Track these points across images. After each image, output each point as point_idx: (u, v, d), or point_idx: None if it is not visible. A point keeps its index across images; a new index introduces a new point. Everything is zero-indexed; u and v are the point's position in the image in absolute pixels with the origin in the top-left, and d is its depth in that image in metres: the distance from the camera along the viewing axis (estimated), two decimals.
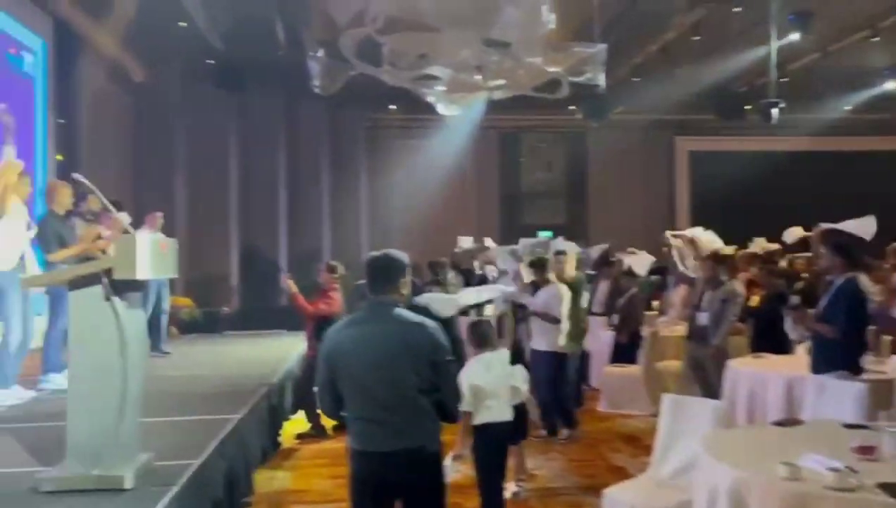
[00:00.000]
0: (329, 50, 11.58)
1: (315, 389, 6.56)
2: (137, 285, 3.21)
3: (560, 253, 7.35)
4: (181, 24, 11.77)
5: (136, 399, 3.28)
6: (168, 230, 14.92)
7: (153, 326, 7.98)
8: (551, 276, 6.72)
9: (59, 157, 7.65)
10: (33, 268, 5.56)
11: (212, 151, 14.80)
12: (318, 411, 6.20)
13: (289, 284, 6.47)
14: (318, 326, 6.27)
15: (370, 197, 16.19)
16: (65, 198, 6.05)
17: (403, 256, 3.00)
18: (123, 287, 3.12)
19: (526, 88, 11.02)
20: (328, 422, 6.52)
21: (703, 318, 6.32)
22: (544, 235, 11.50)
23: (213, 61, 13.52)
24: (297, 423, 6.97)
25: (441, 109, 13.79)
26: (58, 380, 5.89)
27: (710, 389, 5.88)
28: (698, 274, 7.26)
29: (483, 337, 4.48)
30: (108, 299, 3.04)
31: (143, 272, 3.00)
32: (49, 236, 5.82)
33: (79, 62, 10.97)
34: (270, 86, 14.54)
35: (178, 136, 14.62)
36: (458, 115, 13.90)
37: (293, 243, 15.34)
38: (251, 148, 15.30)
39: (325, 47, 11.64)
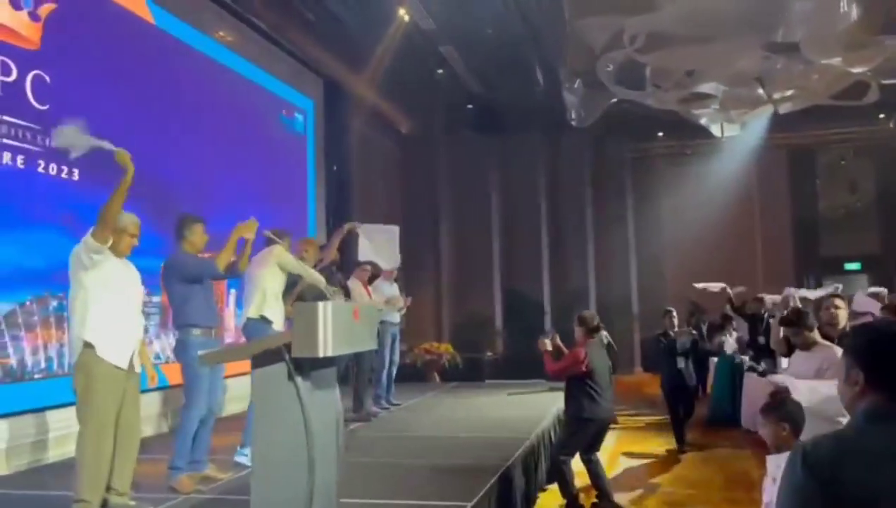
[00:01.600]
0: (586, 79, 10.90)
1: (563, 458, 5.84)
2: (327, 361, 2.67)
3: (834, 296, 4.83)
4: (439, 71, 11.88)
5: (329, 489, 2.71)
6: (433, 276, 15.33)
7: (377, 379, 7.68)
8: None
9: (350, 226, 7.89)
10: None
11: (474, 195, 14.75)
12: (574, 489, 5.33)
13: (543, 343, 5.65)
14: (567, 386, 5.44)
15: (638, 234, 14.99)
16: (313, 253, 5.98)
17: None
18: (310, 364, 2.59)
19: (822, 96, 9.27)
20: (587, 500, 5.58)
21: None
22: (851, 268, 9.44)
23: (471, 106, 13.52)
24: (552, 497, 6.12)
25: (716, 130, 12.34)
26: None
27: None
28: None
29: None
30: (290, 378, 2.52)
31: (326, 348, 2.47)
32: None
33: (347, 118, 11.48)
34: (529, 125, 14.16)
35: (442, 182, 14.81)
36: (736, 135, 12.28)
37: (557, 285, 14.66)
38: (512, 190, 15.02)
39: (581, 77, 10.98)
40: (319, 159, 10.37)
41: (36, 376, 5.44)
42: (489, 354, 12.33)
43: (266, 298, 5.05)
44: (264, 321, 5.05)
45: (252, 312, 5.05)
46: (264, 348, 2.60)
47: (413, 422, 7.05)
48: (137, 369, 3.97)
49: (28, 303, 5.38)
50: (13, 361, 5.23)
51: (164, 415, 6.75)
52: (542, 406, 7.63)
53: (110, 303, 3.74)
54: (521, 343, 13.66)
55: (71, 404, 5.56)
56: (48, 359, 5.56)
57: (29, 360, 5.38)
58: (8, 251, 5.23)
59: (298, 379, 2.56)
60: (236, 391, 6.70)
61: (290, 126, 9.53)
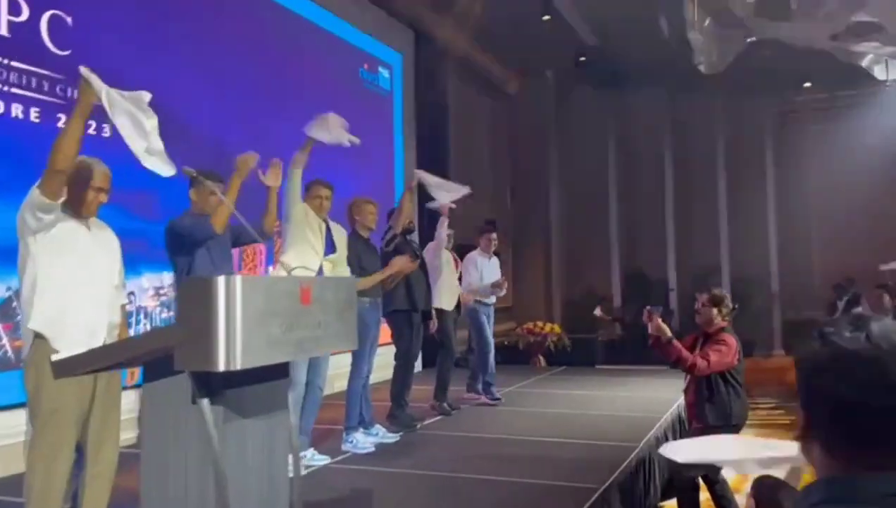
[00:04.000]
0: (718, 18, 9.29)
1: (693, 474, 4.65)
2: (266, 373, 1.65)
3: None
4: (545, 18, 10.55)
5: None
6: (543, 250, 14.10)
7: (482, 365, 6.65)
8: None
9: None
10: None
11: (588, 160, 13.37)
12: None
13: (655, 323, 4.35)
14: (707, 384, 4.18)
15: (779, 202, 13.05)
16: (369, 216, 5.00)
17: None
18: (228, 380, 1.58)
19: None
20: None
21: None
22: None
23: (584, 59, 12.08)
24: None
25: (879, 72, 10.33)
26: (359, 440, 4.80)
27: None
28: None
29: None
30: (193, 401, 1.52)
31: (232, 359, 1.44)
32: (350, 260, 4.81)
33: (442, 75, 10.42)
34: (652, 80, 12.54)
35: (553, 147, 13.53)
36: None
37: (683, 260, 13.07)
38: (632, 154, 13.50)
39: (712, 16, 9.36)
40: (408, 120, 9.37)
41: None
42: (600, 336, 11.01)
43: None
44: None
45: None
46: (144, 349, 1.62)
47: (495, 420, 5.95)
48: None
49: None
50: None
51: None
52: (659, 400, 6.36)
53: (67, 279, 2.87)
54: (641, 325, 12.25)
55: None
56: None
57: None
58: None
59: (205, 403, 1.55)
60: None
61: (372, 83, 8.60)
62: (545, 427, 5.48)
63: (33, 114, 4.65)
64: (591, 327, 11.51)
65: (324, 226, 4.45)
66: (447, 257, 6.25)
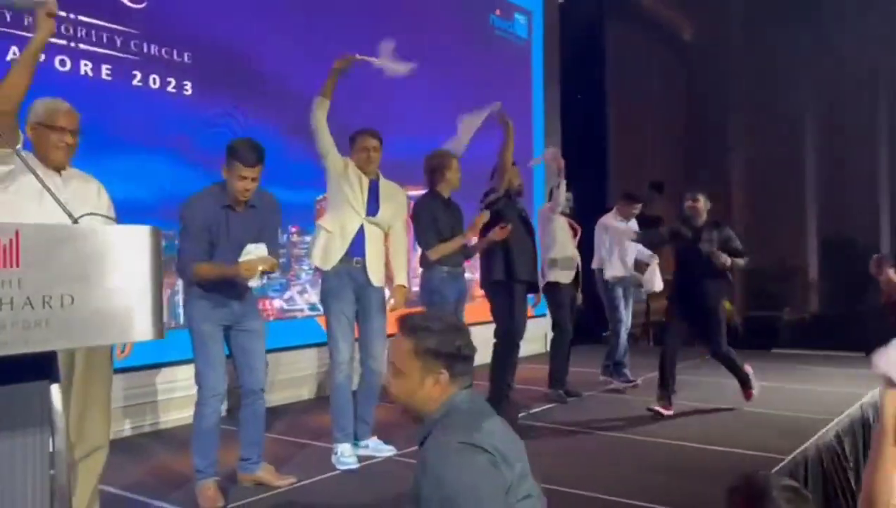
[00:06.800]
0: None
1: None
2: None
3: None
4: None
5: None
6: (722, 215, 12.47)
7: (614, 345, 5.77)
8: None
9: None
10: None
11: (779, 109, 11.59)
12: None
13: (886, 275, 3.38)
14: None
15: None
16: (454, 176, 4.29)
17: None
18: None
19: None
20: None
21: None
22: None
23: None
24: None
25: None
26: None
27: None
28: None
29: None
30: None
31: None
32: (426, 224, 4.16)
33: (597, 20, 9.38)
34: (864, 7, 10.53)
35: (735, 97, 11.89)
36: None
37: None
38: (835, 98, 11.48)
39: None
40: (550, 74, 8.43)
41: None
42: (785, 315, 9.45)
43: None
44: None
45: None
46: None
47: (616, 411, 5.02)
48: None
49: None
50: None
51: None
52: (838, 397, 5.11)
53: None
54: (840, 303, 10.44)
55: (181, 362, 4.79)
56: None
57: None
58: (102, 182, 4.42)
59: None
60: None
61: (506, 30, 7.79)
62: (677, 425, 4.51)
63: (104, 71, 4.46)
64: (776, 303, 9.98)
65: (366, 181, 3.81)
66: (561, 222, 5.38)
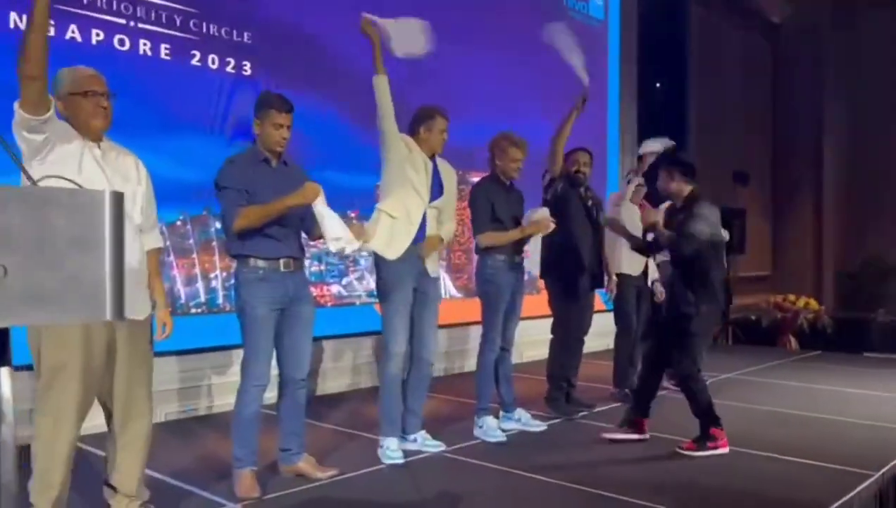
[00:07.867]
0: None
1: None
2: None
3: None
4: None
5: None
6: (813, 208, 11.72)
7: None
8: None
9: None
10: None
11: (876, 95, 10.81)
12: None
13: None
14: None
15: None
16: (513, 159, 4.02)
17: None
18: None
19: None
20: None
21: None
22: None
23: None
24: None
25: None
26: (490, 426, 3.97)
27: None
28: None
29: None
30: None
31: None
32: (480, 207, 3.94)
33: (681, 3, 8.92)
34: None
35: (831, 84, 11.15)
36: None
37: None
38: None
39: None
40: (627, 57, 8.03)
41: (192, 310, 4.60)
42: (880, 316, 8.80)
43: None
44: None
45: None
46: None
47: (678, 414, 4.66)
48: (139, 314, 2.65)
49: (179, 223, 4.52)
50: None
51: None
52: None
53: None
54: None
55: (230, 346, 4.74)
56: (210, 290, 4.68)
57: (182, 291, 4.55)
58: (154, 161, 4.35)
59: None
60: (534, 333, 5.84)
61: (580, 11, 7.46)
62: (744, 432, 4.15)
63: (163, 51, 4.42)
64: (869, 303, 9.31)
65: (430, 164, 3.61)
66: (631, 211, 5.05)
